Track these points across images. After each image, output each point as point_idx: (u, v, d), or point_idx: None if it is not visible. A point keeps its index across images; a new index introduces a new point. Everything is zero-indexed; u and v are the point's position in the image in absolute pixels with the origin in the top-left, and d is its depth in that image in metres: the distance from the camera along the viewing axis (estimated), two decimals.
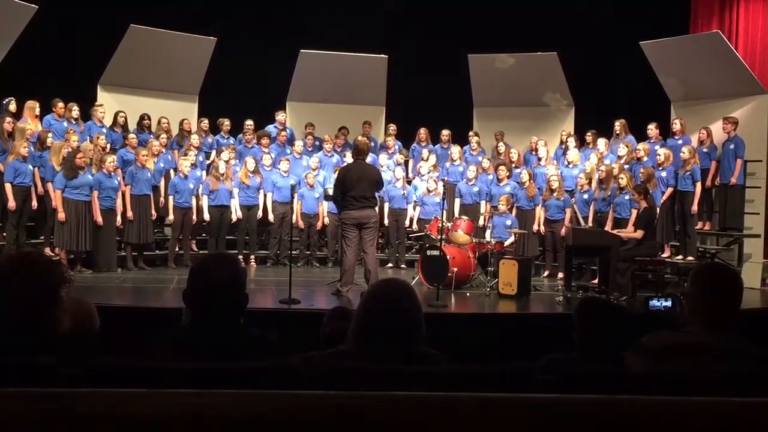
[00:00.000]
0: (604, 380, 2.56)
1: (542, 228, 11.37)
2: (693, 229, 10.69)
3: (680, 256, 10.75)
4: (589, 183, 11.03)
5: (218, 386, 1.88)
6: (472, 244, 10.25)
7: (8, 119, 10.45)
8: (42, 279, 2.59)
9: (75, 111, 11.43)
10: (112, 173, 10.38)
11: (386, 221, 12.16)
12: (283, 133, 13.15)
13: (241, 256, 11.38)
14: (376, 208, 9.02)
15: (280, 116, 13.50)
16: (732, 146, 10.66)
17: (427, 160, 12.66)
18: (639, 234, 9.41)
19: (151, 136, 12.04)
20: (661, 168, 10.78)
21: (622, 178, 10.26)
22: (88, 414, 1.74)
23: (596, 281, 10.03)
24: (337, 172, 10.06)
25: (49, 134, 10.50)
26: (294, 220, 11.39)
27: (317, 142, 13.30)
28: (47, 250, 9.81)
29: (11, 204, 9.73)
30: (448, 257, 9.63)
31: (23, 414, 1.73)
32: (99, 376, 2.25)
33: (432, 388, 1.93)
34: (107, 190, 10.28)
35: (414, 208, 12.25)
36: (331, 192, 9.38)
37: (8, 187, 9.76)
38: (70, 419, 1.74)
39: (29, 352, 2.39)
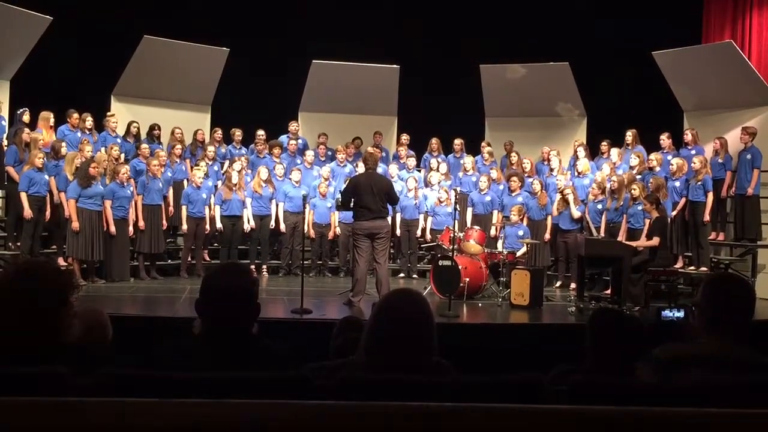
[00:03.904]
0: (616, 391, 2.56)
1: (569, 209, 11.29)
2: (705, 240, 10.63)
3: (693, 267, 10.70)
4: (602, 192, 10.99)
5: (230, 396, 1.88)
6: (484, 255, 10.24)
7: (27, 130, 10.54)
8: (46, 287, 2.60)
9: (89, 121, 11.49)
10: (126, 183, 10.43)
11: (398, 231, 12.16)
12: (293, 143, 13.19)
13: (253, 266, 11.43)
14: (388, 219, 9.01)
15: (292, 126, 13.54)
16: (749, 156, 10.60)
17: (437, 169, 12.65)
18: (656, 240, 9.37)
19: (161, 145, 12.10)
20: (674, 178, 10.75)
21: (634, 189, 10.22)
22: (99, 424, 1.75)
23: (609, 291, 9.99)
24: (347, 181, 10.10)
25: (63, 144, 10.57)
26: (305, 230, 11.41)
27: (330, 152, 13.32)
28: (60, 260, 9.86)
29: (26, 213, 9.79)
30: (460, 267, 9.62)
31: (33, 424, 1.74)
32: (111, 386, 2.26)
33: (443, 399, 1.93)
34: (121, 199, 10.32)
35: (425, 219, 12.24)
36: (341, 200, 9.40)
37: (23, 196, 9.82)
38: (81, 429, 1.74)
39: (35, 360, 2.40)
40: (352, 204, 8.72)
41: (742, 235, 10.81)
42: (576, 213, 11.00)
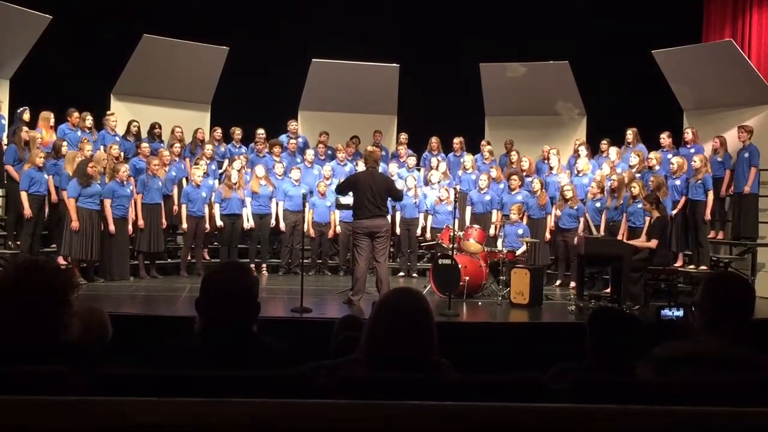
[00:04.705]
0: (616, 390, 2.56)
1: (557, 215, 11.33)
2: (705, 238, 10.62)
3: (693, 266, 10.70)
4: (601, 191, 10.99)
5: (230, 395, 1.89)
6: (484, 253, 10.24)
7: (25, 129, 10.54)
8: (46, 286, 2.60)
9: (88, 120, 11.49)
10: (125, 182, 10.43)
11: (398, 230, 12.16)
12: (293, 142, 13.20)
13: (252, 265, 11.42)
14: (388, 217, 8.99)
15: (291, 125, 13.53)
16: (746, 155, 10.61)
17: (437, 168, 12.65)
18: (653, 243, 9.36)
19: (162, 144, 12.10)
20: (674, 177, 10.75)
21: (634, 187, 10.22)
22: (99, 423, 1.75)
23: (609, 290, 9.99)
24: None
25: (65, 143, 10.57)
26: (305, 229, 11.40)
27: (329, 151, 13.33)
28: (60, 259, 9.85)
29: (26, 212, 9.79)
30: (459, 266, 9.61)
31: (33, 423, 1.74)
32: (111, 385, 2.26)
33: (443, 398, 1.93)
34: (120, 198, 10.31)
35: (425, 217, 12.24)
36: (342, 201, 9.38)
37: (24, 195, 9.83)
38: (81, 429, 1.74)
39: (35, 360, 2.40)
40: (350, 202, 8.72)
41: (739, 233, 10.81)
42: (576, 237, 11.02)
